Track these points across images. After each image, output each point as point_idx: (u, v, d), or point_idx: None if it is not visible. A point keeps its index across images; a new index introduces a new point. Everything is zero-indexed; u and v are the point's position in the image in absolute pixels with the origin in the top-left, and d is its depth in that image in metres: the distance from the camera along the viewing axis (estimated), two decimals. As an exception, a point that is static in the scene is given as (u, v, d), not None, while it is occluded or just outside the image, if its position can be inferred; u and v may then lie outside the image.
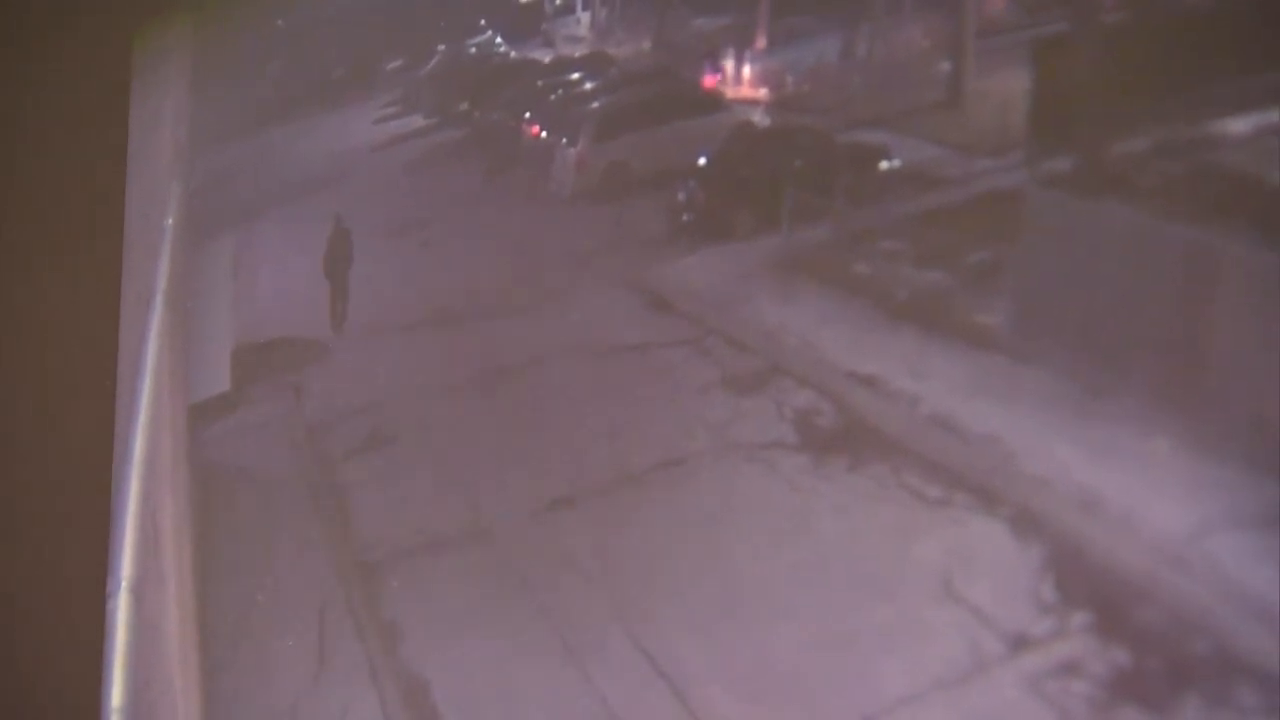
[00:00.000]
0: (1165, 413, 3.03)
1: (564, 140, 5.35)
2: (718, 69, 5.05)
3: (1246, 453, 2.81)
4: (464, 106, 6.09)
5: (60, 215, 5.19)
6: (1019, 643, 2.79)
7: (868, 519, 3.25)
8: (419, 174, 5.86)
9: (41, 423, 4.96)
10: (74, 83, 5.28)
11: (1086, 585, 2.82)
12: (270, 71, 6.27)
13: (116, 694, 3.74)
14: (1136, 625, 2.68)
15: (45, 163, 5.22)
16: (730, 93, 5.02)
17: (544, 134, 5.54)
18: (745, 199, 4.55)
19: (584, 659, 3.33)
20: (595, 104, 5.52)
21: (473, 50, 6.28)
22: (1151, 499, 2.88)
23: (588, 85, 5.66)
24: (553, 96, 5.69)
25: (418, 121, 6.08)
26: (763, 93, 4.93)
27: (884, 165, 4.26)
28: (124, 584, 4.11)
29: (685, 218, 4.66)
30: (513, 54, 6.15)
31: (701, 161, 4.73)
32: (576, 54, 5.96)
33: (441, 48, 6.25)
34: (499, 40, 6.22)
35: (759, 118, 4.83)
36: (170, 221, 5.56)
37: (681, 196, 4.67)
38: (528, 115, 5.69)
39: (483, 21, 6.21)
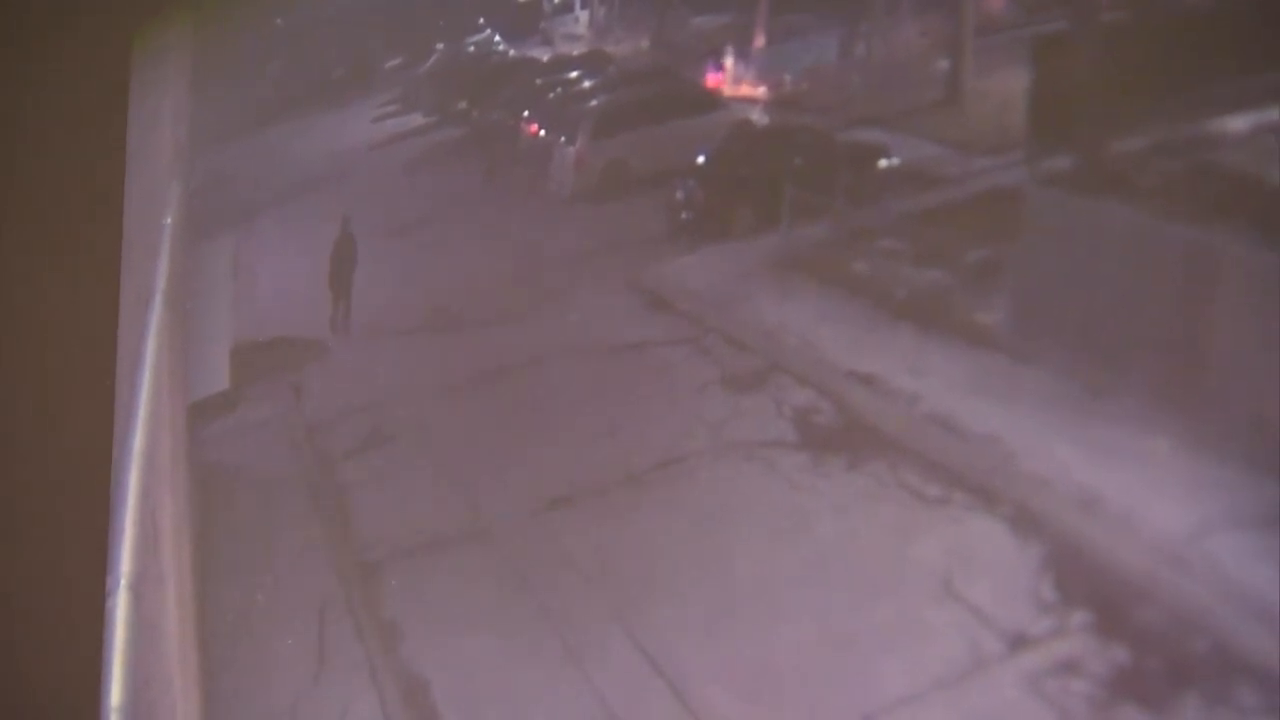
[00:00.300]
0: (1165, 412, 3.03)
1: (563, 139, 5.35)
2: (720, 67, 5.05)
3: (1246, 452, 2.81)
4: (463, 105, 6.09)
5: (60, 214, 5.19)
6: (1018, 642, 2.79)
7: (867, 518, 3.25)
8: (418, 173, 5.86)
9: (41, 421, 4.96)
10: (73, 82, 5.28)
11: (1086, 585, 2.82)
12: (269, 71, 6.27)
13: (116, 693, 3.73)
14: (1136, 625, 2.68)
15: (45, 162, 5.22)
16: (729, 91, 5.02)
17: (543, 132, 5.54)
18: (744, 198, 4.55)
19: (583, 658, 3.33)
20: (594, 102, 5.51)
21: (471, 49, 6.28)
22: (1151, 498, 2.87)
23: (586, 84, 5.66)
24: (551, 95, 5.69)
25: (416, 120, 6.08)
26: (761, 91, 4.92)
27: (883, 164, 4.26)
28: (123, 582, 4.10)
29: (684, 216, 4.66)
30: (511, 52, 6.15)
31: (700, 160, 4.73)
32: (575, 52, 5.95)
33: (440, 46, 6.25)
34: (497, 39, 6.22)
35: (758, 116, 4.83)
36: (169, 221, 5.56)
37: (680, 195, 4.66)
38: (526, 114, 5.69)
39: (481, 20, 6.21)
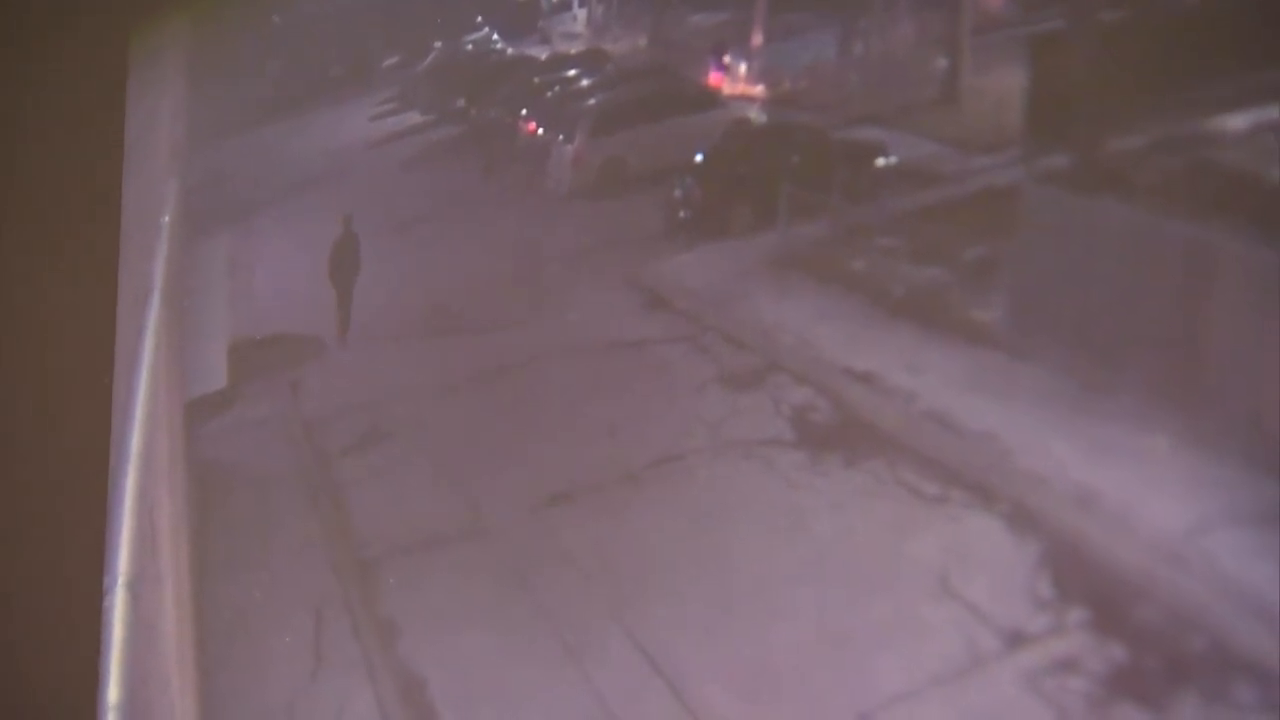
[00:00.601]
0: (1163, 410, 3.03)
1: (561, 137, 5.36)
2: (722, 66, 5.06)
3: (1244, 450, 2.81)
4: (461, 103, 6.09)
5: (58, 213, 5.18)
6: (1016, 639, 2.78)
7: (864, 516, 3.25)
8: (416, 171, 5.86)
9: (39, 419, 4.95)
10: (72, 81, 5.27)
11: (1083, 582, 2.82)
12: (267, 69, 6.27)
13: (113, 691, 3.72)
14: (1134, 622, 2.68)
15: (43, 160, 5.21)
16: (727, 89, 5.02)
17: (541, 130, 5.54)
18: (742, 196, 4.55)
19: (581, 655, 3.33)
20: (592, 100, 5.52)
21: (469, 47, 6.29)
22: (1149, 496, 2.88)
23: (584, 82, 5.67)
24: (549, 93, 5.69)
25: (414, 118, 6.09)
26: (759, 89, 4.93)
27: (880, 162, 4.27)
28: (121, 580, 4.09)
29: (682, 214, 4.66)
30: (509, 51, 6.16)
31: (698, 158, 4.73)
32: (573, 51, 5.97)
33: (438, 44, 6.26)
34: (495, 37, 6.23)
35: (755, 114, 4.84)
36: (167, 218, 5.55)
37: (678, 193, 4.67)
38: (524, 112, 5.69)
39: (479, 18, 6.22)
